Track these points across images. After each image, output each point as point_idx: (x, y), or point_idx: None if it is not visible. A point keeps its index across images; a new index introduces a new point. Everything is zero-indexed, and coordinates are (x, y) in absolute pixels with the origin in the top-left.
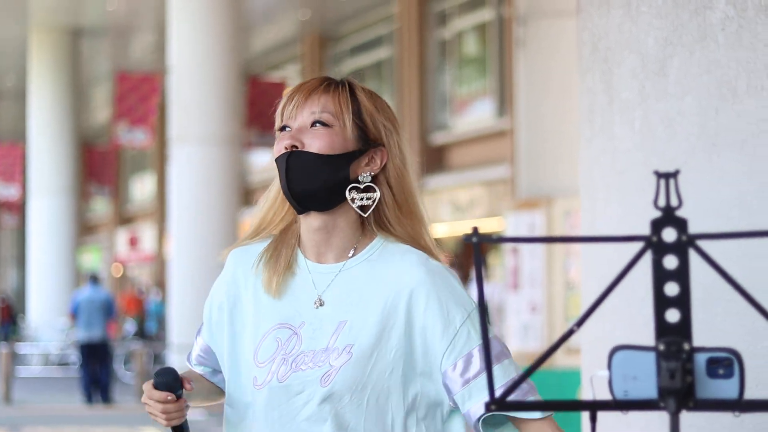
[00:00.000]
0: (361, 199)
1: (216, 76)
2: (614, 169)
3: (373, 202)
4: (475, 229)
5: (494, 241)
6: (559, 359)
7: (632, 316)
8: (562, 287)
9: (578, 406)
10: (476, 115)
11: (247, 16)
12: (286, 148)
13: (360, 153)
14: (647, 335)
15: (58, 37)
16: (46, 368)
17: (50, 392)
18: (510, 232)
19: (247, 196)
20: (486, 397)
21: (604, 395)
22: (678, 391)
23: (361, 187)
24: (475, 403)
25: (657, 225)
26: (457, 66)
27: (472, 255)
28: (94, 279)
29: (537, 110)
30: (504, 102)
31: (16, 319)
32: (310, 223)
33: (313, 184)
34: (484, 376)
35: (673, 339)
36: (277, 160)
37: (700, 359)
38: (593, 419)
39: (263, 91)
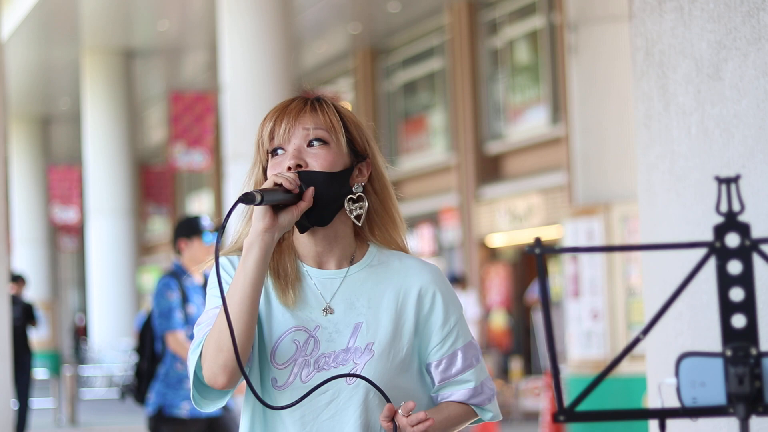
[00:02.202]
0: (356, 209)
1: (270, 92)
2: (672, 174)
3: (365, 210)
4: (538, 240)
5: (557, 251)
6: (623, 366)
7: (696, 322)
8: (623, 293)
9: (647, 414)
10: (530, 122)
11: (299, 31)
12: (290, 168)
13: (352, 168)
14: (712, 341)
15: (111, 58)
16: (110, 390)
17: (114, 414)
18: (568, 240)
19: None
20: (461, 390)
21: (672, 402)
22: (747, 397)
23: (355, 197)
24: (451, 395)
25: (720, 230)
26: (510, 74)
27: (536, 265)
28: None
29: (591, 116)
30: (558, 109)
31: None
32: (312, 237)
33: (323, 202)
34: (462, 376)
35: (740, 344)
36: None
37: None
38: (662, 427)
39: None
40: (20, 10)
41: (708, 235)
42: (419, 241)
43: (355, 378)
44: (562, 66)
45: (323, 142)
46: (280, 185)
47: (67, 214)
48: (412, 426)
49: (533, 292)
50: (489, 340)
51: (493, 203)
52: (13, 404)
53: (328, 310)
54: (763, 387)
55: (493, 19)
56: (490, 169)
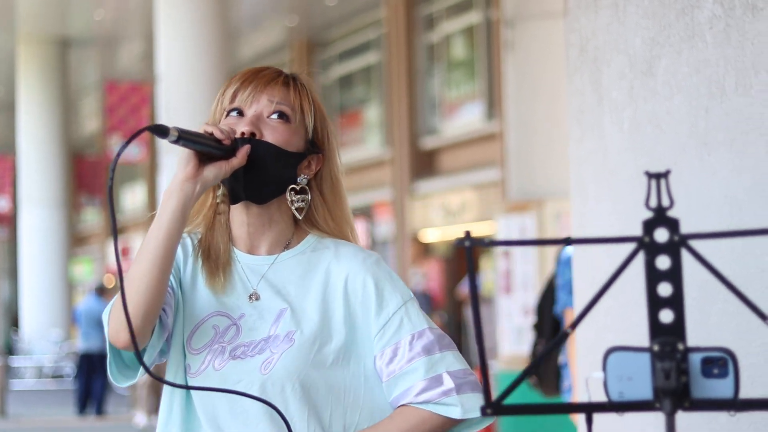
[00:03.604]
0: (297, 201)
1: (205, 83)
2: (605, 169)
3: (306, 204)
4: (467, 233)
5: (486, 244)
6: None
7: (625, 318)
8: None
9: (574, 408)
10: (465, 118)
11: (235, 23)
12: (243, 134)
13: (305, 155)
14: (641, 336)
15: (46, 47)
16: (39, 381)
17: (44, 405)
18: (501, 235)
19: None
20: (408, 385)
21: (600, 397)
22: (673, 392)
23: (298, 188)
24: (399, 392)
25: (649, 225)
26: (446, 69)
27: (465, 259)
28: (100, 290)
29: (526, 112)
30: (493, 105)
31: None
32: (246, 215)
33: (266, 176)
34: (407, 369)
35: (668, 339)
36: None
37: (695, 359)
38: (589, 421)
39: None
40: None
41: (639, 231)
42: None
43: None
44: (498, 62)
45: (285, 118)
46: (211, 134)
47: None
48: None
49: (464, 287)
50: None
51: (427, 198)
52: None
53: (254, 297)
54: (689, 382)
55: (430, 14)
56: (424, 164)
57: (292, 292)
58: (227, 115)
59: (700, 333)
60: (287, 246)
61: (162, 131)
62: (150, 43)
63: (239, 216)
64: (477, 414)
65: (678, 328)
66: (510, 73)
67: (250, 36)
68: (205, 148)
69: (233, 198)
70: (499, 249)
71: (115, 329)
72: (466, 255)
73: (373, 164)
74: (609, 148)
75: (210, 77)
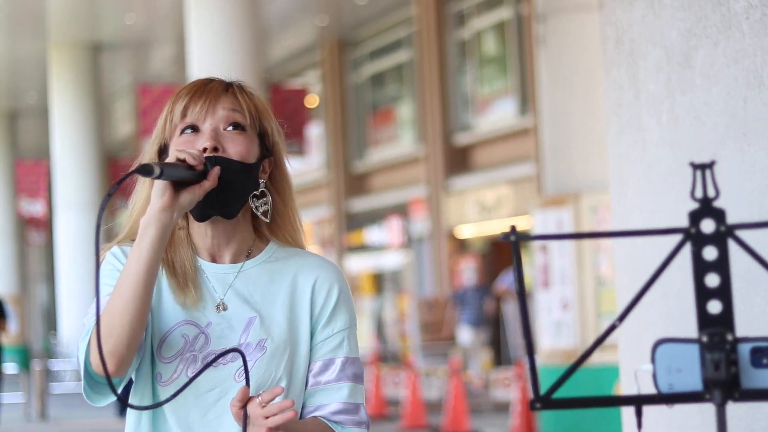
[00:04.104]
0: (261, 205)
1: None
2: (644, 162)
3: (270, 206)
4: (513, 228)
5: (532, 238)
6: (593, 356)
7: (668, 310)
8: (593, 283)
9: (624, 401)
10: (499, 114)
11: (266, 24)
12: (205, 150)
13: (261, 161)
14: (684, 328)
15: (78, 52)
16: (79, 384)
17: (84, 408)
18: (538, 230)
19: None
20: (328, 401)
21: (648, 389)
22: (723, 383)
23: (258, 193)
24: (317, 403)
25: (695, 216)
26: (478, 66)
27: (511, 253)
28: None
29: (560, 106)
30: (526, 100)
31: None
32: (211, 228)
33: (235, 193)
34: (332, 386)
35: (716, 330)
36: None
37: (744, 349)
38: (639, 414)
39: (285, 98)
40: None
41: (679, 224)
42: (388, 233)
43: (243, 376)
44: (530, 57)
45: (241, 128)
46: (183, 161)
47: (34, 208)
48: (266, 417)
49: (502, 283)
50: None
51: (462, 194)
52: None
53: (221, 307)
54: (738, 372)
55: (460, 11)
56: (458, 160)
57: (259, 300)
58: (181, 132)
59: (743, 323)
60: (249, 254)
61: (148, 171)
62: (181, 46)
63: (202, 228)
64: None
65: (726, 318)
66: (543, 68)
67: (281, 37)
68: (183, 176)
69: (202, 216)
70: (537, 243)
71: (98, 360)
72: (513, 249)
73: (407, 162)
74: (647, 141)
75: (242, 78)
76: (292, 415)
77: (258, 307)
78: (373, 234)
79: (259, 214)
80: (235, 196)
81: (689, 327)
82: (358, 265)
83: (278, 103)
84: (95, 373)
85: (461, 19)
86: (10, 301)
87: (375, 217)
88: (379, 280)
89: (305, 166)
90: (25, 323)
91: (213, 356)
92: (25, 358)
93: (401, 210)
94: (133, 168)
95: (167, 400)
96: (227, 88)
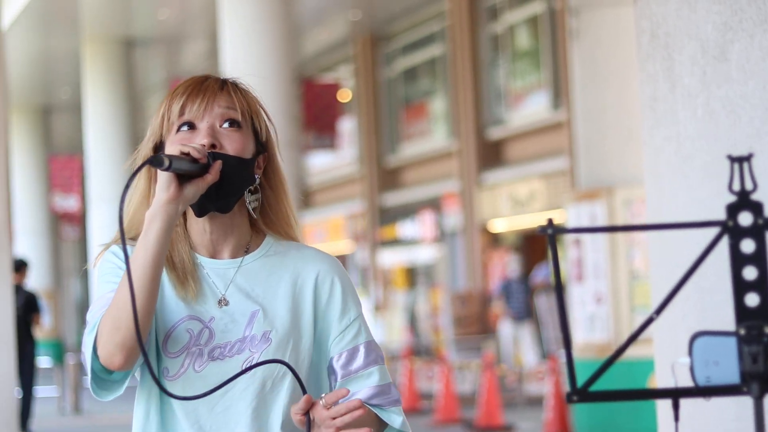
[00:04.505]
0: (253, 201)
1: (270, 80)
2: (679, 155)
3: (259, 203)
4: (550, 221)
5: (570, 231)
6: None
7: (703, 303)
8: (627, 277)
9: (661, 394)
10: (532, 108)
11: (299, 18)
12: (203, 146)
13: (256, 157)
14: (718, 321)
15: (111, 47)
16: None
17: (118, 401)
18: (571, 224)
19: (306, 198)
20: (361, 387)
21: (685, 382)
22: (761, 375)
23: (253, 188)
24: (352, 391)
25: (733, 209)
26: (511, 60)
27: (548, 247)
28: None
29: (593, 100)
30: (559, 94)
31: None
32: (209, 224)
33: (233, 187)
34: (364, 372)
35: (754, 323)
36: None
37: None
38: (676, 407)
39: (318, 93)
40: (20, 0)
41: (714, 217)
42: (421, 227)
43: (249, 367)
44: (563, 51)
45: (237, 125)
46: (188, 154)
47: (68, 203)
48: (334, 418)
49: (536, 277)
50: (492, 325)
51: (495, 189)
52: (17, 393)
53: (223, 302)
54: None
55: (493, 5)
56: (491, 154)
57: (261, 294)
58: (178, 130)
59: None
60: (248, 249)
61: (159, 162)
62: (214, 41)
63: (200, 224)
64: (405, 428)
65: (764, 311)
66: (576, 62)
67: (314, 31)
68: (188, 169)
69: (200, 211)
70: (570, 237)
71: (109, 352)
72: (549, 243)
73: (440, 156)
74: (683, 135)
75: (275, 73)
76: (361, 413)
77: (260, 301)
78: (406, 228)
79: (250, 209)
80: (233, 191)
81: (723, 320)
82: (391, 259)
83: (311, 97)
84: (99, 369)
85: (494, 13)
86: (44, 295)
87: (408, 211)
88: (412, 274)
89: (338, 161)
90: (58, 317)
91: (255, 363)
92: (58, 352)
93: (434, 204)
94: (145, 160)
95: (211, 392)
96: (223, 85)
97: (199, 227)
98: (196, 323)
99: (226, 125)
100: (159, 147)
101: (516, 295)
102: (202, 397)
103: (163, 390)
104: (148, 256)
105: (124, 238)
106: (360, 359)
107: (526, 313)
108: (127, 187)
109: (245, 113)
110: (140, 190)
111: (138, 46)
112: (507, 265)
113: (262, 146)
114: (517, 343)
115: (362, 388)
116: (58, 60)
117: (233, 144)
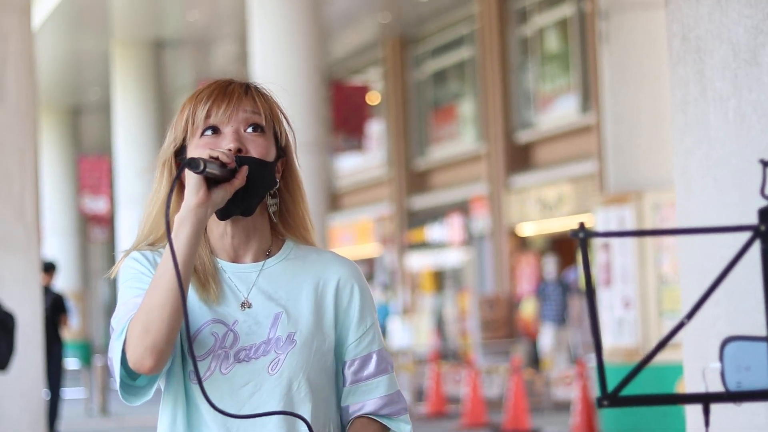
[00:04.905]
0: (273, 204)
1: (300, 82)
2: (710, 159)
3: (277, 206)
4: (582, 225)
5: (602, 235)
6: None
7: (734, 308)
8: (655, 281)
9: (692, 399)
10: (561, 111)
11: (328, 21)
12: (230, 151)
13: (277, 160)
14: (749, 326)
15: (141, 49)
16: None
17: (145, 403)
18: (600, 228)
19: (334, 201)
20: (370, 397)
21: (715, 387)
22: None
23: (273, 192)
24: (356, 402)
25: (765, 214)
26: (540, 63)
27: (579, 250)
28: None
29: (623, 104)
30: (588, 97)
31: None
32: (231, 227)
33: (258, 191)
34: (373, 381)
35: None
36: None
37: None
38: (706, 412)
39: (347, 95)
40: (51, 1)
41: (745, 221)
42: (449, 230)
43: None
44: (592, 54)
45: (261, 129)
46: (217, 158)
47: (96, 204)
48: None
49: (565, 281)
50: (519, 329)
51: (523, 192)
52: (44, 394)
53: (246, 305)
54: None
55: (522, 8)
56: (520, 157)
57: (284, 296)
58: (202, 134)
59: None
60: (269, 252)
61: (195, 165)
62: (243, 44)
63: (221, 228)
64: None
65: None
66: (605, 65)
67: (343, 34)
68: (218, 173)
69: (224, 215)
70: (599, 242)
71: (140, 355)
72: (580, 246)
73: (469, 159)
74: (713, 139)
75: (305, 75)
76: None
77: (283, 303)
78: (434, 231)
79: (271, 212)
80: (257, 194)
81: (754, 325)
82: (419, 262)
83: (340, 100)
84: (124, 375)
85: (523, 16)
86: (71, 296)
87: (436, 214)
88: (439, 278)
89: (366, 163)
90: (86, 319)
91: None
92: (86, 353)
93: (462, 207)
94: (183, 163)
95: (261, 414)
96: (247, 90)
97: (220, 231)
98: (220, 326)
99: (250, 130)
100: (180, 151)
101: (553, 297)
102: (238, 417)
103: (207, 400)
104: (179, 259)
105: (171, 238)
106: (371, 367)
107: (562, 316)
108: (171, 190)
109: (268, 118)
110: (162, 195)
111: (167, 48)
112: (543, 266)
113: (282, 151)
114: (558, 346)
115: (373, 398)
116: (87, 61)
117: (258, 148)
